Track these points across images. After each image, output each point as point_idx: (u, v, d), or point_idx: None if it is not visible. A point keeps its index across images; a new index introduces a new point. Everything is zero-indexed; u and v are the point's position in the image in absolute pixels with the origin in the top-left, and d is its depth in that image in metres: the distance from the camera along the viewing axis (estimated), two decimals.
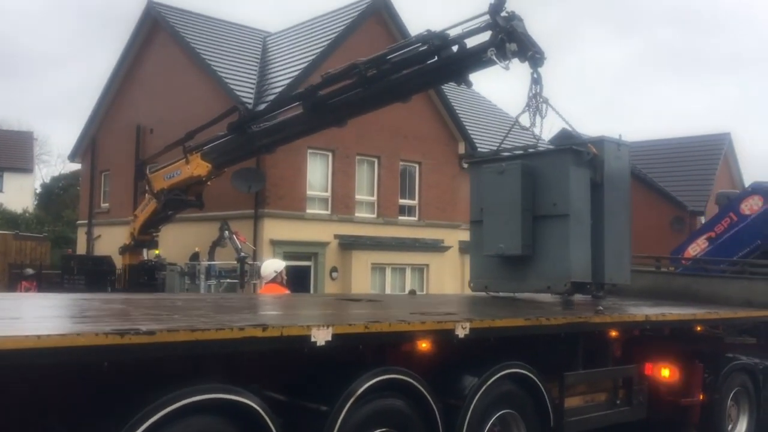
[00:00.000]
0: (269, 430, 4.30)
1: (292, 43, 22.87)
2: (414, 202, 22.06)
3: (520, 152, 9.05)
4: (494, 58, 9.08)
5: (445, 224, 22.51)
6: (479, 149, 23.61)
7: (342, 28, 21.06)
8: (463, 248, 23.20)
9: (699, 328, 8.60)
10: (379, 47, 20.44)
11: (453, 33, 10.03)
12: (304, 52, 20.97)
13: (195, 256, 16.85)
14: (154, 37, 23.40)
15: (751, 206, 11.94)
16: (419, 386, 5.22)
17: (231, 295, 8.45)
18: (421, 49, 10.34)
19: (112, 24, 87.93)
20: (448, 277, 22.03)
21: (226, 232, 16.36)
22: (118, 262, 18.54)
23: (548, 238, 8.16)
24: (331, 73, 11.82)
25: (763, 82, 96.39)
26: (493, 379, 5.80)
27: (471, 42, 9.92)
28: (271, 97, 18.76)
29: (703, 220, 35.09)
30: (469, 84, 10.31)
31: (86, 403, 3.93)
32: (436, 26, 10.13)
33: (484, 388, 5.71)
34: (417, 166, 22.04)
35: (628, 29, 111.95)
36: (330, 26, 22.07)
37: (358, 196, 20.48)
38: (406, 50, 10.76)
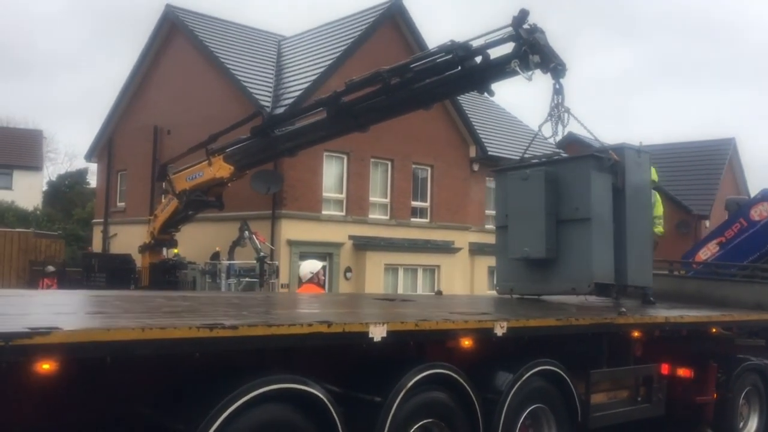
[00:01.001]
0: (332, 419, 4.69)
1: (307, 48, 23.28)
2: (426, 204, 22.46)
3: (544, 159, 9.43)
4: (518, 69, 9.44)
5: (455, 226, 22.92)
6: (489, 153, 24.05)
7: (356, 33, 21.46)
8: (473, 250, 23.65)
9: (714, 330, 8.98)
10: (394, 53, 21.04)
11: (476, 44, 10.43)
12: (320, 57, 21.36)
13: (215, 256, 17.25)
14: (172, 40, 23.82)
15: (761, 212, 12.23)
16: (462, 381, 5.61)
17: (277, 294, 8.83)
18: (444, 59, 10.71)
19: (127, 27, 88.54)
20: (459, 278, 22.43)
21: (246, 232, 16.76)
22: (137, 260, 18.97)
23: (571, 242, 8.51)
24: (354, 81, 12.15)
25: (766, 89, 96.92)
26: (526, 375, 6.19)
27: (493, 53, 10.32)
28: (289, 101, 19.16)
29: (707, 224, 35.48)
30: (491, 93, 10.64)
31: (172, 391, 4.32)
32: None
33: (518, 383, 6.10)
34: (429, 169, 22.45)
35: (631, 35, 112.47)
36: (344, 32, 22.47)
37: (371, 198, 20.89)
38: (429, 59, 11.11)
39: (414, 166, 22.03)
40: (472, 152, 23.52)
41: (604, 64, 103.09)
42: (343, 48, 20.82)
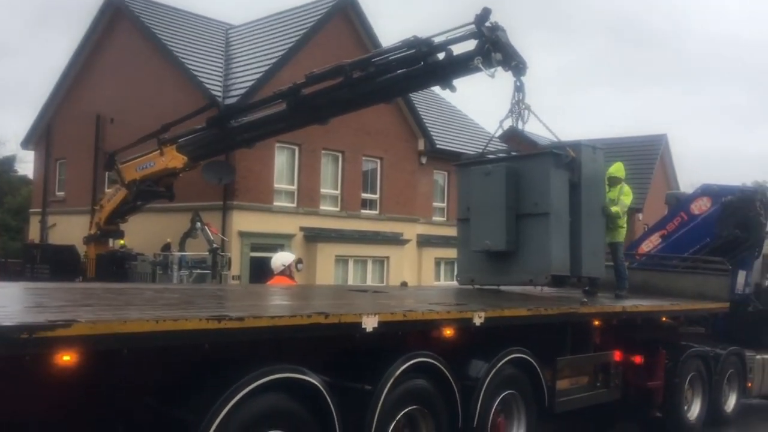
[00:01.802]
0: (328, 407, 4.85)
1: (256, 38, 23.07)
2: (375, 197, 22.66)
3: (505, 155, 9.73)
4: (481, 66, 9.72)
5: (404, 218, 23.21)
6: (438, 147, 24.42)
7: (307, 24, 21.40)
8: (421, 241, 24.01)
9: (664, 319, 9.50)
10: (346, 45, 21.11)
11: (438, 40, 10.64)
12: (270, 48, 21.23)
13: (166, 247, 17.02)
14: (115, 26, 23.22)
15: (700, 207, 12.86)
16: (444, 369, 5.84)
17: (255, 286, 8.87)
18: (407, 54, 10.90)
19: (67, 12, 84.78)
20: (407, 269, 22.74)
21: (198, 223, 16.59)
22: (81, 251, 18.54)
23: (530, 235, 8.84)
24: (315, 73, 12.24)
25: (695, 89, 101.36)
26: (500, 363, 6.47)
27: (455, 50, 10.55)
28: (240, 92, 19.00)
29: (641, 216, 36.80)
30: (453, 89, 10.90)
31: (180, 382, 4.38)
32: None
33: (493, 371, 6.37)
34: (379, 161, 22.64)
35: (568, 36, 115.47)
36: (295, 22, 22.37)
37: (322, 190, 20.96)
38: (392, 54, 11.29)
39: (364, 158, 22.18)
40: (421, 145, 23.83)
41: (543, 63, 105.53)
42: (294, 39, 20.74)
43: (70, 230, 22.99)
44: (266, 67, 19.50)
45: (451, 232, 25.31)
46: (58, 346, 3.45)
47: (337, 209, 21.34)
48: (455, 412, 5.97)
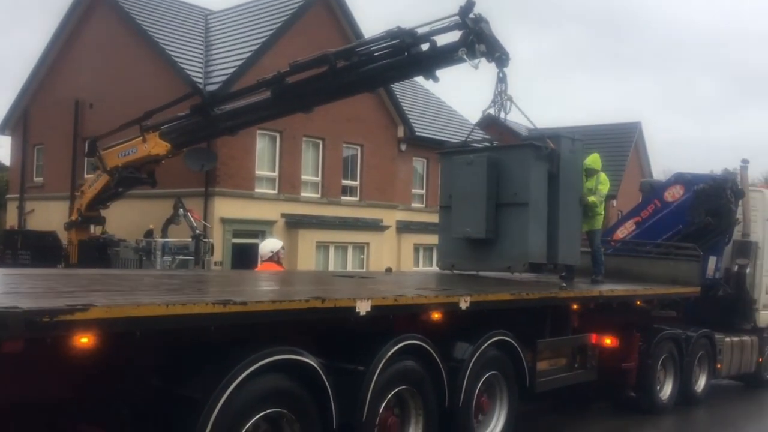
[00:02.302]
0: (324, 387, 5.10)
1: (236, 24, 23.06)
2: (356, 183, 22.87)
3: (487, 145, 9.99)
4: (465, 57, 9.92)
5: (384, 204, 23.46)
6: (417, 134, 24.67)
7: (287, 11, 21.46)
8: (400, 228, 24.30)
9: (638, 303, 9.89)
10: (326, 32, 21.22)
11: (421, 31, 10.83)
12: (251, 34, 21.26)
13: (149, 233, 17.09)
14: (94, 11, 23.05)
15: (673, 194, 13.26)
16: (431, 351, 6.12)
17: (250, 273, 9.08)
18: (391, 44, 11.07)
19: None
20: (387, 255, 23.02)
21: (181, 209, 16.68)
22: (62, 237, 18.55)
23: (509, 224, 9.12)
24: (299, 62, 12.33)
25: (667, 78, 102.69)
26: (484, 345, 6.78)
27: (439, 41, 10.75)
28: (221, 78, 19.06)
29: (615, 203, 37.43)
30: (436, 79, 11.07)
31: (187, 363, 4.60)
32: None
33: (477, 353, 6.67)
34: (359, 148, 22.83)
35: (542, 26, 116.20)
36: (274, 9, 22.40)
37: (303, 177, 21.12)
38: (376, 44, 11.44)
39: (344, 145, 22.36)
40: (400, 132, 24.05)
41: (519, 50, 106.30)
42: (274, 26, 20.78)
43: (49, 216, 22.92)
44: (247, 54, 19.56)
45: (430, 218, 25.71)
46: (77, 329, 3.65)
47: (318, 196, 21.53)
48: (442, 392, 6.26)
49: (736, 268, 13.44)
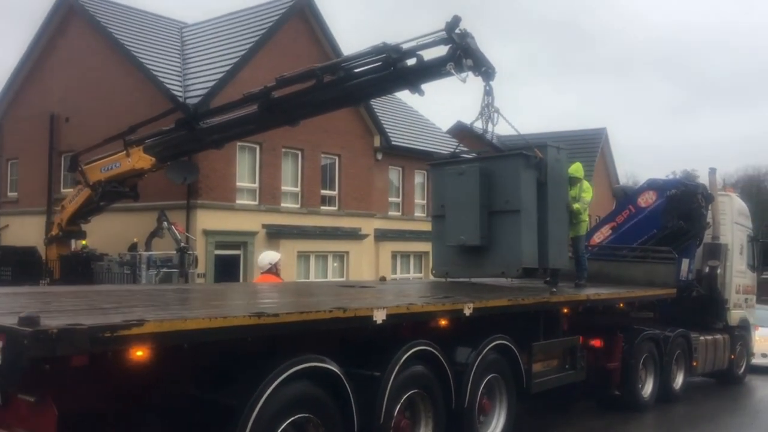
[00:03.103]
0: (346, 392, 5.40)
1: (212, 37, 23.19)
2: (334, 193, 23.14)
3: (477, 156, 10.38)
4: (453, 71, 10.27)
5: (362, 213, 23.77)
6: (393, 143, 25.04)
7: (264, 24, 21.66)
8: (378, 236, 24.62)
9: (621, 305, 10.35)
10: (303, 45, 21.50)
11: (406, 46, 11.18)
12: (228, 48, 21.42)
13: (133, 247, 17.14)
14: (69, 24, 22.98)
15: (646, 200, 13.80)
16: (439, 356, 6.46)
17: (258, 285, 9.28)
18: (377, 58, 11.40)
19: (17, 9, 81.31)
20: (366, 263, 23.32)
21: (165, 222, 16.78)
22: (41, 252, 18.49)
23: (502, 231, 9.54)
24: (286, 76, 12.60)
25: (625, 85, 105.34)
26: (485, 349, 7.13)
27: (424, 55, 11.11)
28: (199, 91, 19.19)
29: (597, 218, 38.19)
30: (421, 93, 11.38)
31: (222, 372, 4.86)
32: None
33: (480, 357, 7.03)
34: (336, 158, 23.12)
35: (501, 37, 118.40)
36: (251, 22, 22.58)
37: (283, 187, 21.32)
38: (362, 59, 11.76)
39: (323, 155, 22.62)
40: (377, 142, 24.39)
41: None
42: (250, 39, 20.97)
43: (24, 232, 22.75)
44: (226, 67, 19.72)
45: (407, 226, 26.14)
46: (134, 343, 3.91)
47: (298, 206, 21.75)
48: (449, 394, 6.60)
49: (707, 269, 14.05)
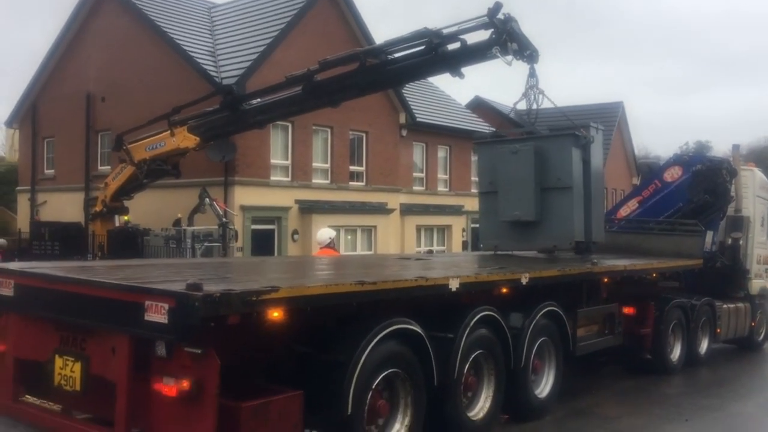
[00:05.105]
0: (428, 351, 6.13)
1: (242, 17, 23.72)
2: (362, 169, 23.83)
3: (528, 135, 10.84)
4: (498, 55, 10.81)
5: (388, 188, 24.47)
6: (417, 120, 25.66)
7: (291, 5, 22.18)
8: (403, 210, 25.36)
9: (654, 275, 11.03)
10: (333, 27, 22.02)
11: (447, 31, 11.73)
12: (259, 28, 21.97)
13: (177, 222, 17.92)
14: (102, 3, 23.57)
15: (672, 175, 14.36)
16: (500, 320, 7.18)
17: (326, 257, 9.98)
18: (420, 43, 11.96)
19: None
20: (392, 237, 24.08)
21: (207, 199, 17.52)
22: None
23: (553, 206, 10.07)
24: (329, 60, 13.19)
25: (639, 60, 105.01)
26: (538, 315, 7.84)
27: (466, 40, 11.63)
28: (234, 71, 19.81)
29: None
30: (462, 76, 11.93)
31: (331, 331, 5.60)
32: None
33: (533, 322, 7.74)
34: (364, 135, 23.76)
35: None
36: (278, 3, 23.07)
37: (314, 164, 22.03)
38: (405, 44, 12.31)
39: (351, 132, 23.27)
40: (402, 119, 25.01)
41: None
42: (281, 19, 21.52)
43: (61, 208, 23.61)
44: (258, 48, 20.31)
45: (430, 200, 26.84)
46: (271, 306, 4.64)
47: (328, 182, 22.46)
48: (508, 355, 7.33)
49: (730, 241, 14.64)
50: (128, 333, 4.59)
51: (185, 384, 4.40)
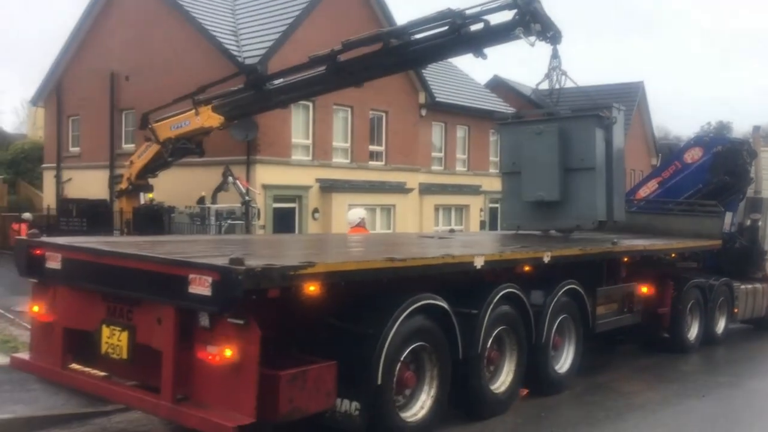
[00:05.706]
0: (453, 326, 6.37)
1: None
2: (381, 148, 24.02)
3: (550, 116, 10.94)
4: (522, 35, 10.90)
5: (407, 168, 24.66)
6: (437, 100, 25.74)
7: None
8: (422, 189, 25.55)
9: (673, 255, 11.18)
10: (354, 7, 22.05)
11: (470, 12, 11.81)
12: (280, 8, 22.09)
13: (201, 200, 18.25)
14: None
15: (692, 156, 14.43)
16: (523, 297, 7.40)
17: (356, 236, 10.22)
18: (443, 23, 12.06)
19: None
20: (410, 216, 24.31)
21: (230, 177, 17.82)
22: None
23: (577, 187, 10.13)
24: (352, 40, 13.34)
25: (667, 40, 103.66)
26: (559, 293, 8.06)
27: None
28: (256, 50, 19.99)
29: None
30: (484, 56, 12.04)
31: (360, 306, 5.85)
32: None
33: (555, 299, 7.96)
34: (384, 114, 23.91)
35: None
36: None
37: (334, 143, 22.25)
38: (428, 25, 12.42)
39: (371, 111, 23.42)
40: (421, 99, 25.11)
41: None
42: (303, 1, 21.64)
43: (86, 185, 24.04)
44: (280, 28, 20.46)
45: (449, 180, 27.00)
46: (308, 280, 4.90)
47: (348, 161, 22.68)
48: (530, 331, 7.56)
49: (749, 222, 14.71)
50: (174, 304, 4.87)
51: (228, 353, 4.67)
